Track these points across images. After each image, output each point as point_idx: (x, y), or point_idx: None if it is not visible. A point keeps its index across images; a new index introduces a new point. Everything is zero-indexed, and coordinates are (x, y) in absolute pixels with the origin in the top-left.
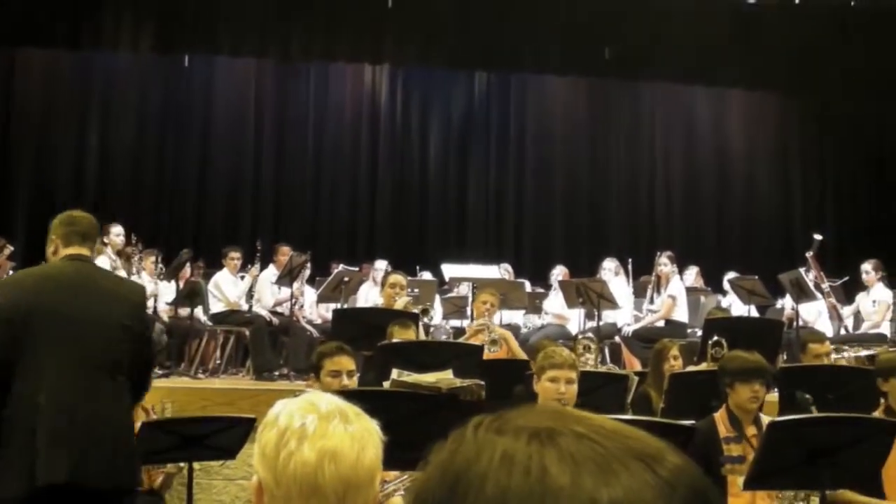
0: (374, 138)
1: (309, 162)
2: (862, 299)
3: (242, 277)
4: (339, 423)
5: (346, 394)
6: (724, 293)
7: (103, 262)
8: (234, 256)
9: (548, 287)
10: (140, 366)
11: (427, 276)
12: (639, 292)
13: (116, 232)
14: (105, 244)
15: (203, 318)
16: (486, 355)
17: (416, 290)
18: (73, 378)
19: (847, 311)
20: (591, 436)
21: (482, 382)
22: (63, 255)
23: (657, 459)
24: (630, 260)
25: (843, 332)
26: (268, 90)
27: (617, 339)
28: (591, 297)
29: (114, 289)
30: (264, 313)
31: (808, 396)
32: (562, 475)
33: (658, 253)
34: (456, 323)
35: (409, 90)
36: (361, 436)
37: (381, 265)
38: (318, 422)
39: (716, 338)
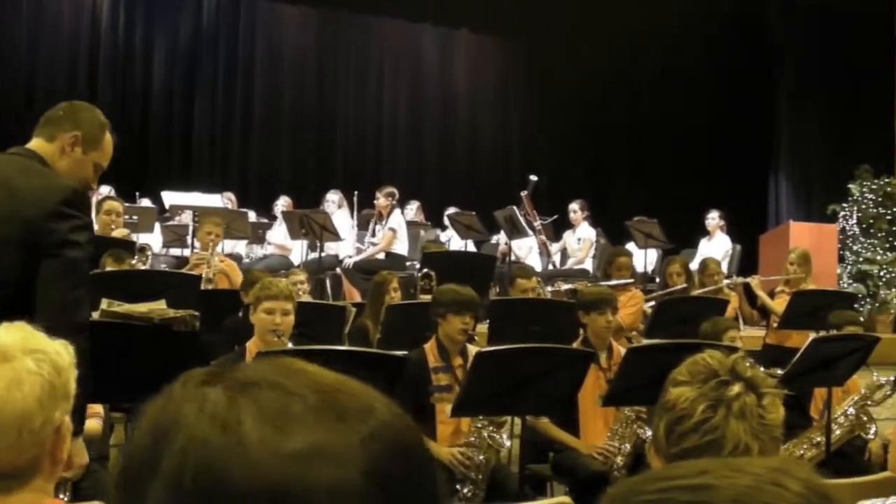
0: (93, 56)
1: (21, 82)
2: (568, 237)
3: None
4: None
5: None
6: (444, 228)
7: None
8: None
9: (272, 218)
10: (40, 292)
11: (146, 203)
12: (362, 225)
13: None
14: None
15: None
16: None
17: (134, 218)
18: None
19: (555, 248)
20: (297, 390)
21: (196, 313)
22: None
23: (361, 415)
24: (355, 193)
25: (550, 267)
26: None
27: (338, 270)
28: (314, 229)
29: (15, 188)
30: None
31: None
32: (254, 428)
33: (380, 187)
34: (177, 252)
35: (132, 7)
36: (13, 377)
37: (105, 190)
38: None
39: (425, 270)
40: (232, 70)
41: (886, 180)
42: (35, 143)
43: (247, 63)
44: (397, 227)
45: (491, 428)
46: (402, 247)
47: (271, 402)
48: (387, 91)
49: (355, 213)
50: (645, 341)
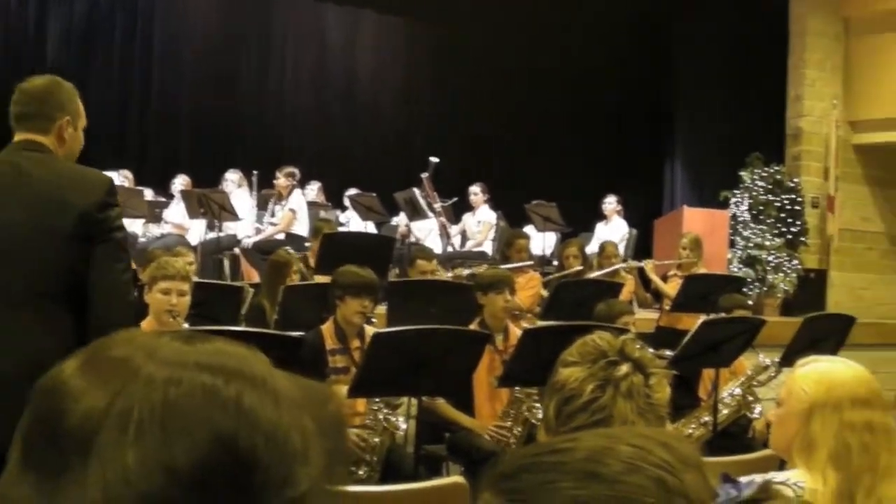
0: None
1: None
2: (468, 219)
3: None
4: None
5: None
6: (345, 209)
7: None
8: None
9: (169, 196)
10: (95, 273)
11: None
12: (261, 205)
13: None
14: None
15: None
16: None
17: None
18: None
19: (455, 230)
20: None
21: None
22: (14, 143)
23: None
24: (255, 173)
25: (450, 249)
26: None
27: (237, 250)
28: (213, 209)
29: (55, 183)
30: None
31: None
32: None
33: (281, 167)
34: None
35: None
36: None
37: None
38: None
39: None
40: (129, 47)
41: (776, 168)
42: (31, 137)
43: (145, 40)
44: (297, 208)
45: (386, 410)
46: (301, 227)
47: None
48: (289, 71)
49: (255, 192)
50: (541, 323)
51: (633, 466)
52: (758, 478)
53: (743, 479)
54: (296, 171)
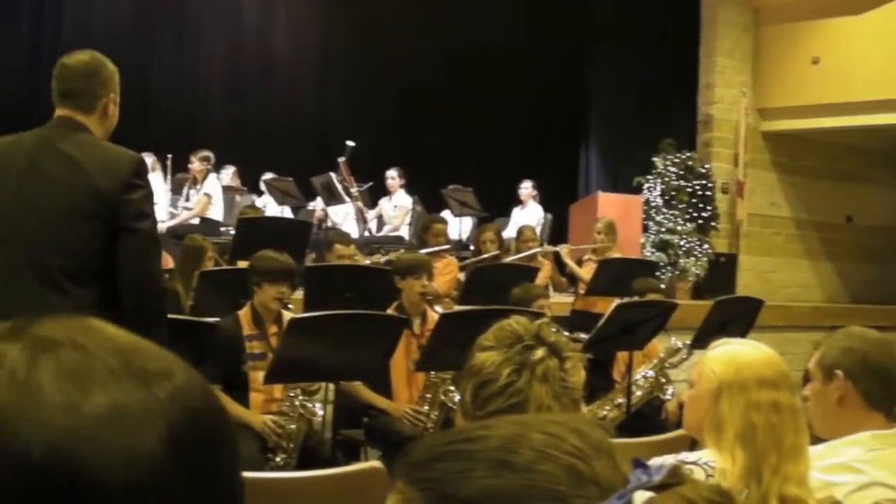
0: None
1: None
2: (385, 204)
3: None
4: None
5: None
6: (260, 193)
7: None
8: None
9: None
10: (126, 268)
11: None
12: (176, 189)
13: None
14: None
15: None
16: None
17: None
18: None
19: (371, 215)
20: (91, 348)
21: None
22: (54, 119)
23: (160, 377)
24: (169, 156)
25: (367, 234)
26: None
27: None
28: None
29: (83, 162)
30: None
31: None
32: (50, 385)
33: (195, 151)
34: None
35: None
36: None
37: None
38: None
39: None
40: (39, 24)
41: (688, 154)
42: (72, 115)
43: (54, 18)
44: (212, 193)
45: (303, 397)
46: (216, 212)
47: (73, 362)
48: (203, 52)
49: (169, 177)
50: (458, 308)
51: (545, 455)
52: (668, 460)
53: (654, 463)
54: (210, 155)
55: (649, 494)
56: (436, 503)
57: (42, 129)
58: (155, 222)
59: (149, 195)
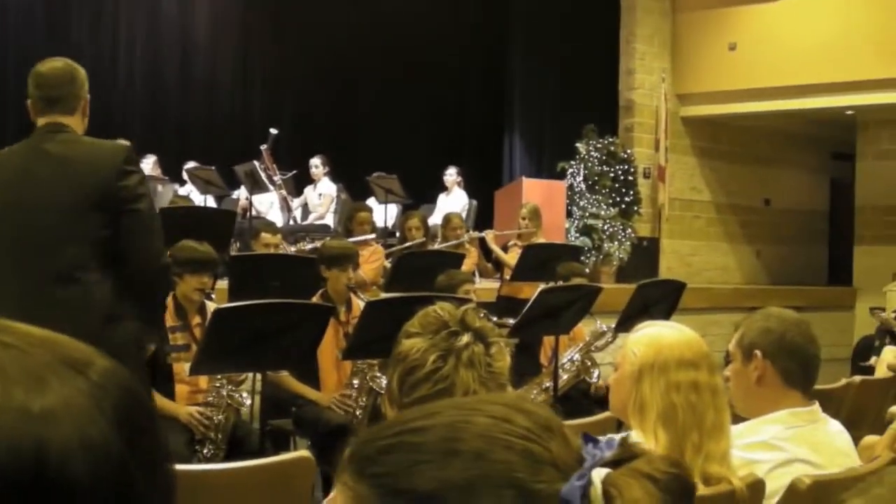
0: None
1: None
2: (309, 192)
3: None
4: None
5: None
6: (183, 183)
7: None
8: None
9: None
10: (130, 246)
11: None
12: None
13: None
14: None
15: None
16: None
17: None
18: (12, 290)
19: (296, 203)
20: (20, 345)
21: None
22: (39, 126)
23: (86, 364)
24: None
25: (291, 222)
26: None
27: None
28: None
29: (73, 159)
30: None
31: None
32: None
33: (114, 140)
34: None
35: None
36: None
37: None
38: None
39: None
40: None
41: (610, 139)
42: (57, 120)
43: None
44: None
45: (230, 387)
46: None
47: (11, 361)
48: (122, 38)
49: None
50: (384, 295)
51: (494, 439)
52: (616, 436)
53: (602, 438)
54: (130, 144)
55: (606, 471)
56: (391, 499)
57: (30, 139)
58: (153, 202)
59: (143, 178)
